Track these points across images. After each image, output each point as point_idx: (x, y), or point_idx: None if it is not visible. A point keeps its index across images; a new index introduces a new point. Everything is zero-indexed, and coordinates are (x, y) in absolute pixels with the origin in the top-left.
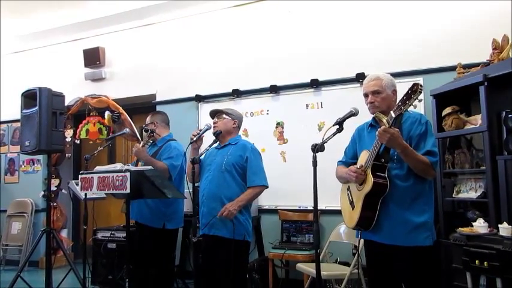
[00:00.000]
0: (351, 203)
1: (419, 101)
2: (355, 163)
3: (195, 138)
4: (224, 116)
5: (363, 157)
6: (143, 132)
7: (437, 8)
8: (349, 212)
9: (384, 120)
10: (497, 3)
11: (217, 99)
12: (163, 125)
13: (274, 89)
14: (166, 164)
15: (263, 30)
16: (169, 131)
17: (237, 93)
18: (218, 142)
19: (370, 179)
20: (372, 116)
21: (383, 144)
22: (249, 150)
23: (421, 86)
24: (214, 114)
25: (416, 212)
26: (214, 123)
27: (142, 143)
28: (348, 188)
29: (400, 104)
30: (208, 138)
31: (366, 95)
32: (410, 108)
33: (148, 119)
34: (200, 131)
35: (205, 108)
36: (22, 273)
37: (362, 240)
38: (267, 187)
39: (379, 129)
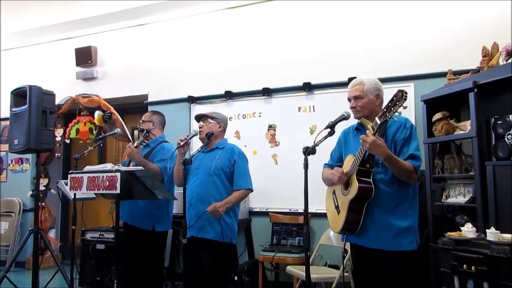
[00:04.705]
0: (336, 207)
1: (405, 107)
2: (341, 166)
3: (181, 143)
4: (210, 120)
5: (348, 162)
6: (138, 132)
7: (428, 15)
8: (334, 216)
9: (369, 127)
10: (488, 11)
11: (209, 100)
12: (160, 127)
13: (267, 92)
14: (159, 166)
15: (257, 32)
16: (163, 132)
17: (229, 95)
18: (205, 146)
19: (356, 184)
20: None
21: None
22: (237, 154)
23: (405, 93)
24: (199, 118)
25: (400, 217)
26: (200, 127)
27: (136, 143)
28: (334, 192)
29: (385, 110)
30: (196, 143)
31: (349, 100)
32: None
33: (146, 117)
34: (187, 136)
35: (198, 109)
36: (8, 273)
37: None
38: (252, 191)
39: (361, 136)
